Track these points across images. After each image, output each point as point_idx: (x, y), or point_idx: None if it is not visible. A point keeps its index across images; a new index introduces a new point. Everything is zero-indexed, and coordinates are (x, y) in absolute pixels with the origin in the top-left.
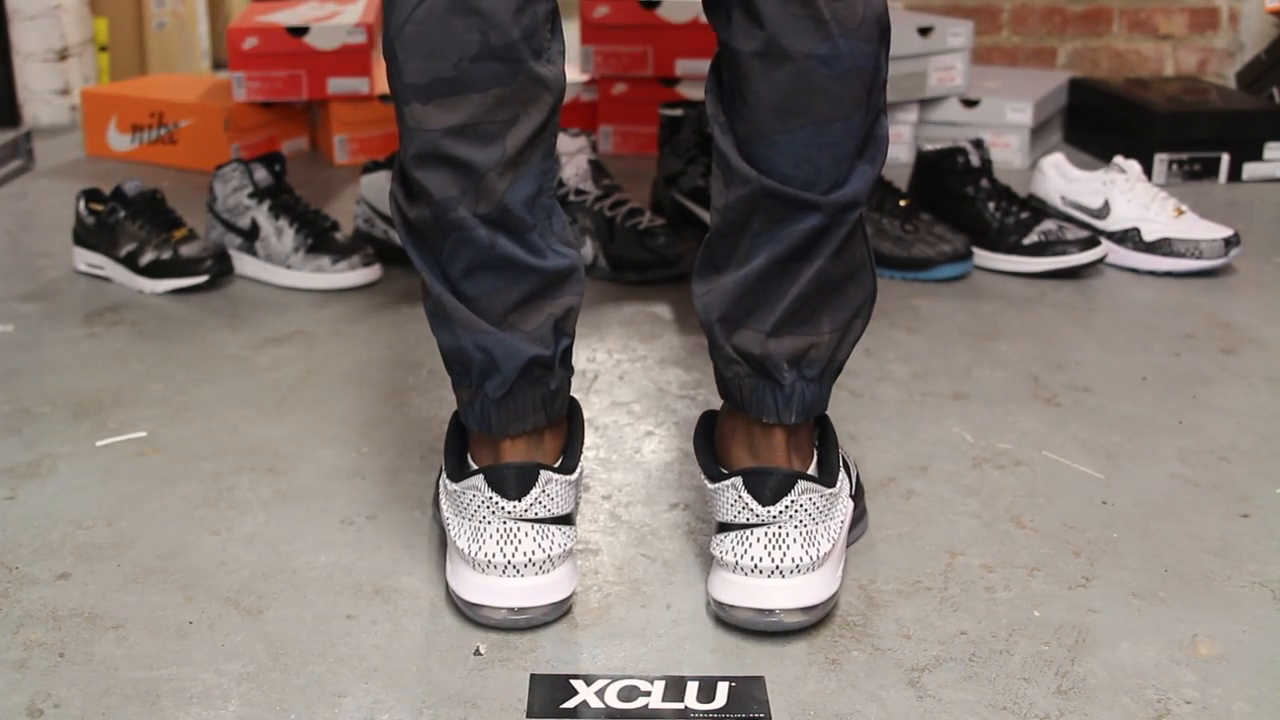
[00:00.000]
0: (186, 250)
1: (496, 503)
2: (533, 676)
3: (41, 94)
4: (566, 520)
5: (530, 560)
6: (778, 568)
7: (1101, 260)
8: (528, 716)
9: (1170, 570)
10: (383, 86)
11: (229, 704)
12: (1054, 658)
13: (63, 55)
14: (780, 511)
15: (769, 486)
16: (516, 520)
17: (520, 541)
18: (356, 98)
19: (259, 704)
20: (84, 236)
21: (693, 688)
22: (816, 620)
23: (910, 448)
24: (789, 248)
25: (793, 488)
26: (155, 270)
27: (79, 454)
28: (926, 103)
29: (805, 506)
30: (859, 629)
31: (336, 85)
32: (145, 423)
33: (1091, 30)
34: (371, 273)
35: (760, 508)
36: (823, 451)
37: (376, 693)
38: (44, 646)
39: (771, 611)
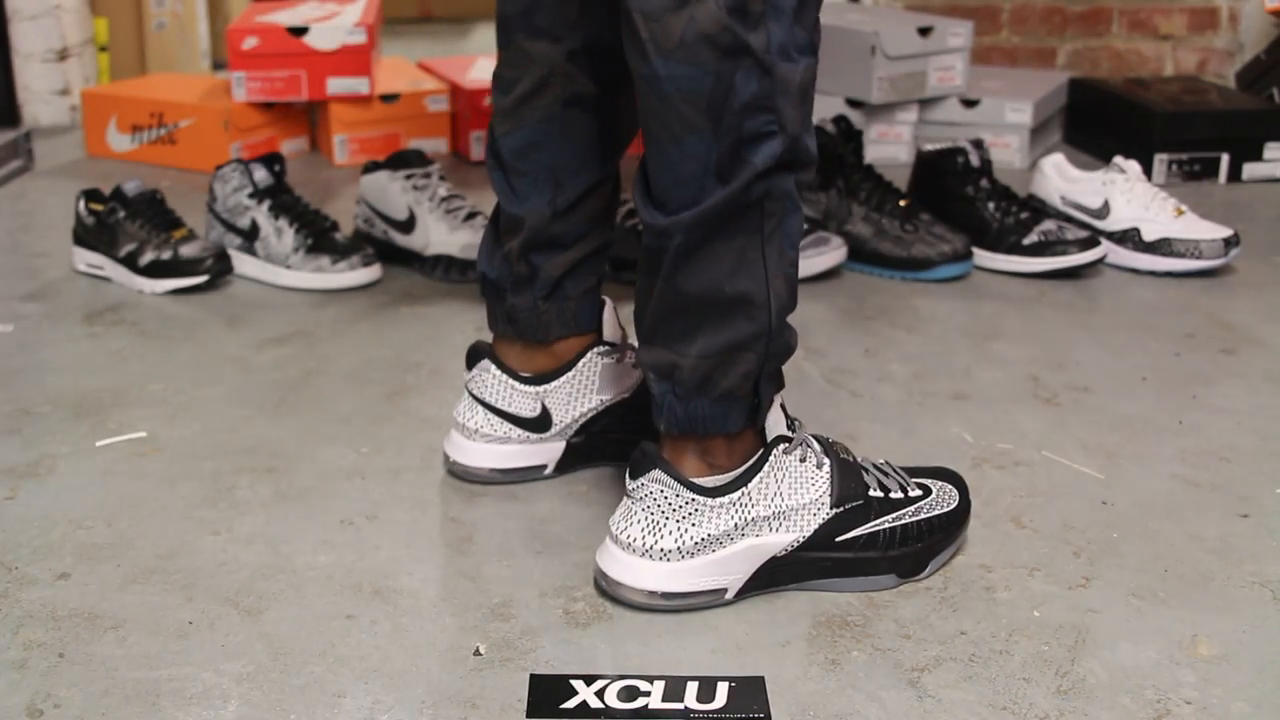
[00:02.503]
0: (186, 250)
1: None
2: (533, 676)
3: (41, 94)
4: (498, 413)
5: (462, 424)
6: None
7: (1101, 260)
8: (528, 716)
9: (1170, 570)
10: (382, 86)
11: (229, 704)
12: (1054, 658)
13: (63, 55)
14: (635, 489)
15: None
16: (465, 386)
17: (461, 404)
18: (356, 98)
19: (259, 704)
20: (84, 236)
21: (693, 688)
22: (629, 598)
23: (910, 448)
24: (641, 261)
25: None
26: (155, 270)
27: (79, 454)
28: (926, 103)
29: (654, 494)
30: (859, 629)
31: (336, 85)
32: (145, 423)
33: (1091, 30)
34: (371, 273)
35: (630, 480)
36: (745, 470)
37: (376, 693)
38: (44, 646)
39: (605, 576)
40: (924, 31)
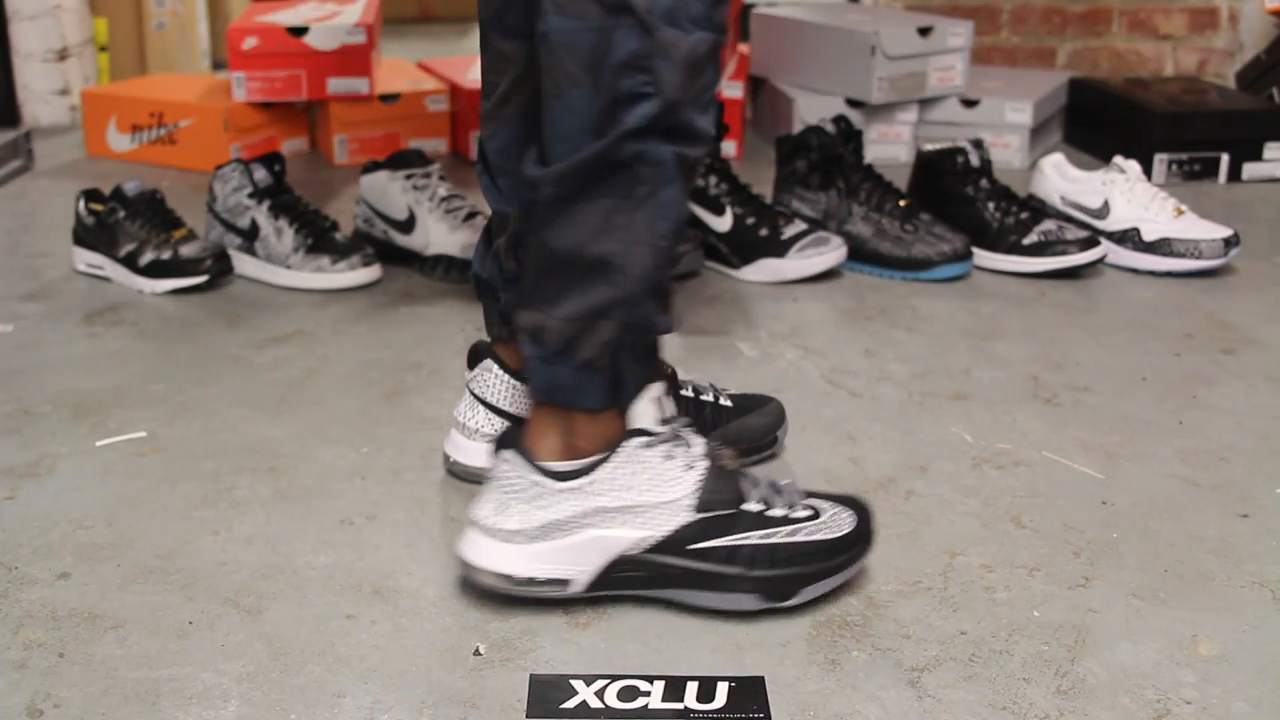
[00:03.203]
0: (186, 250)
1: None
2: (533, 676)
3: (41, 94)
4: (499, 413)
5: (463, 424)
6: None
7: (1101, 260)
8: (528, 716)
9: (1170, 570)
10: (382, 86)
11: (229, 704)
12: (1054, 658)
13: (63, 55)
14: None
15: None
16: (466, 385)
17: (462, 403)
18: (356, 98)
19: (259, 704)
20: (84, 236)
21: (693, 688)
22: (484, 581)
23: (910, 448)
24: (517, 217)
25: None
26: (155, 270)
27: (79, 454)
28: (926, 103)
29: (505, 473)
30: (859, 629)
31: (336, 85)
32: (145, 423)
33: (1091, 30)
34: (371, 273)
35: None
36: (595, 462)
37: (376, 693)
38: (44, 646)
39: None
40: (924, 31)
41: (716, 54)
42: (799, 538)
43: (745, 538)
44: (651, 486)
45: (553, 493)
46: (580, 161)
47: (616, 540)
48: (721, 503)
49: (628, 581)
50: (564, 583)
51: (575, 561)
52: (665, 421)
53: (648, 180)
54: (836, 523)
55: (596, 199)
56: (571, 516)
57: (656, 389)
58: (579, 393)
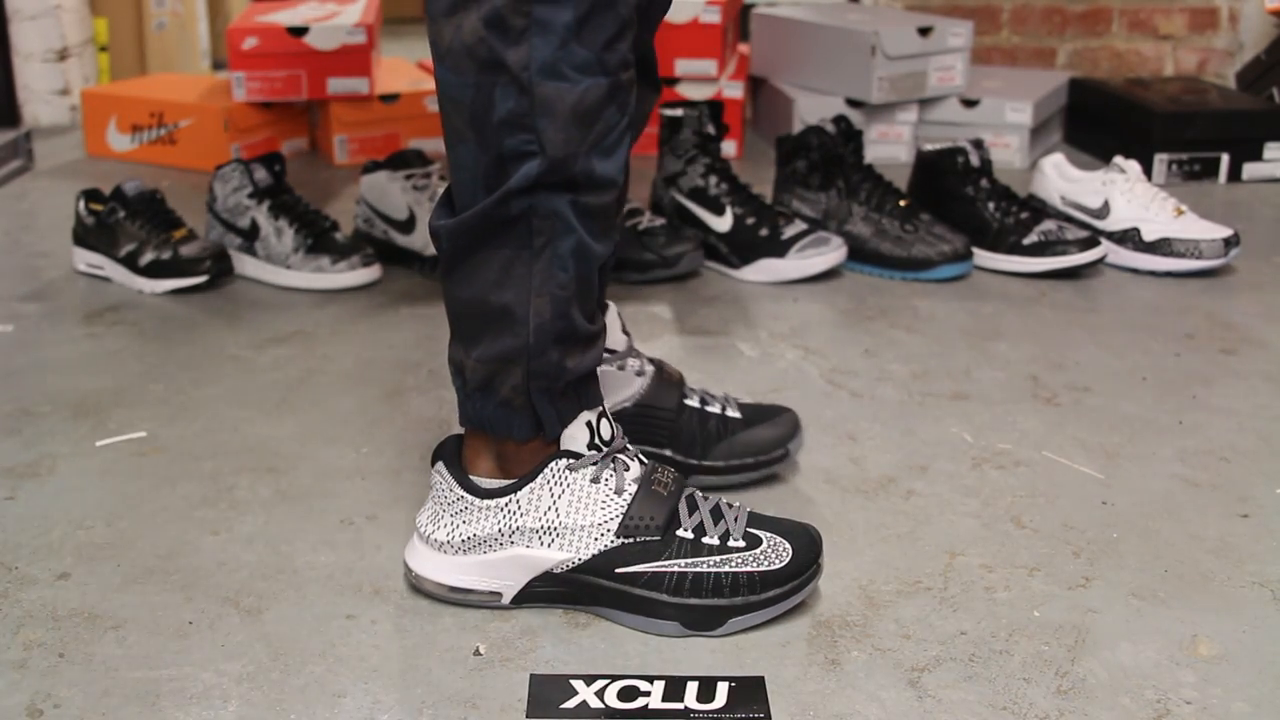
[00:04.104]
0: (186, 250)
1: None
2: (533, 676)
3: (41, 94)
4: None
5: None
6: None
7: (1101, 260)
8: (528, 717)
9: (1170, 570)
10: (382, 86)
11: (229, 704)
12: (1054, 658)
13: (63, 55)
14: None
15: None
16: None
17: None
18: (356, 98)
19: (259, 704)
20: (84, 236)
21: (693, 688)
22: (410, 585)
23: (910, 448)
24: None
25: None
26: (155, 270)
27: (79, 454)
28: (926, 103)
29: (437, 484)
30: (859, 629)
31: (336, 85)
32: (145, 423)
33: (1091, 30)
34: (371, 273)
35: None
36: (520, 480)
37: (376, 693)
38: (44, 646)
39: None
40: (924, 31)
41: (617, 95)
42: (727, 569)
43: (670, 565)
44: (574, 509)
45: (476, 509)
46: (471, 218)
47: (540, 560)
48: (647, 528)
49: (559, 597)
50: (496, 595)
51: (501, 576)
52: (602, 444)
53: (544, 232)
54: (774, 555)
55: (495, 249)
56: (493, 534)
57: (590, 413)
58: (504, 425)
